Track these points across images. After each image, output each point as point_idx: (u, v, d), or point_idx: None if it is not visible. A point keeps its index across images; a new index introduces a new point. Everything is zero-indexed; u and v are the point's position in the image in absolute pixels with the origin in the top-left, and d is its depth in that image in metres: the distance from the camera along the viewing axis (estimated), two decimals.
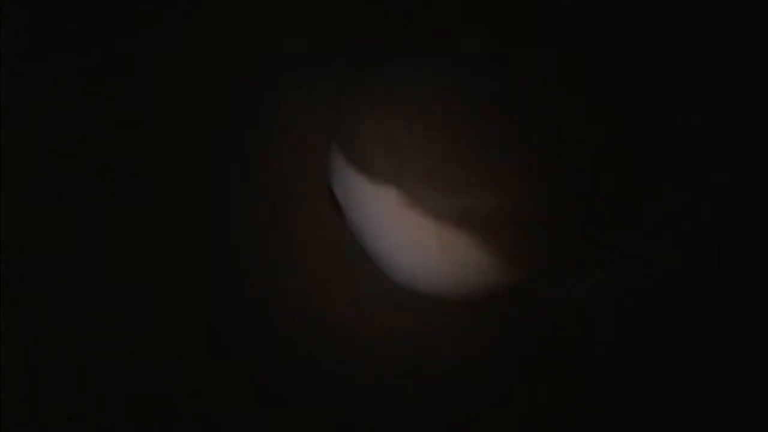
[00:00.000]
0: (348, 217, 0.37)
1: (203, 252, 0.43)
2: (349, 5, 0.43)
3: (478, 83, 0.34)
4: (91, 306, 0.42)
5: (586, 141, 0.34)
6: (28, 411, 0.41)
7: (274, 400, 0.41)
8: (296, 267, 0.43)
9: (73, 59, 0.43)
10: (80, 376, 0.41)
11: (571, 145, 0.34)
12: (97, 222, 0.43)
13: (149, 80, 0.44)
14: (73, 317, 0.42)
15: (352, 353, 0.42)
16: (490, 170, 0.33)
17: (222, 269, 0.43)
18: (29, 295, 0.42)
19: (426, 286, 0.36)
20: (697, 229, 0.38)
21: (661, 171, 0.37)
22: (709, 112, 0.37)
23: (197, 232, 0.43)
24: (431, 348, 0.42)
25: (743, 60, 0.37)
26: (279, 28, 0.44)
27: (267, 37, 0.44)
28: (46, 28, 0.44)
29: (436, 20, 0.36)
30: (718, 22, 0.37)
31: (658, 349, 0.40)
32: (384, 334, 0.42)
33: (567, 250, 0.35)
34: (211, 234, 0.43)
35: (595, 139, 0.34)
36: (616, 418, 0.40)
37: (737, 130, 0.38)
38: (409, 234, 0.35)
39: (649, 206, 0.37)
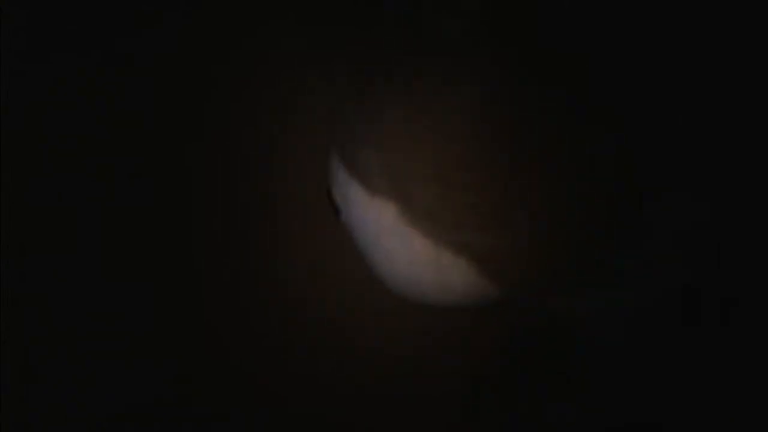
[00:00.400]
0: (346, 220, 0.37)
1: (203, 252, 0.43)
2: (349, 5, 0.42)
3: (478, 83, 0.34)
4: (91, 306, 0.42)
5: (586, 141, 0.34)
6: (28, 411, 0.41)
7: (274, 400, 0.41)
8: (297, 267, 0.43)
9: (73, 59, 0.43)
10: (80, 376, 0.41)
11: (571, 145, 0.34)
12: (97, 222, 0.43)
13: (149, 80, 0.44)
14: (73, 317, 0.42)
15: (352, 353, 0.42)
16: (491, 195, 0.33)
17: (222, 269, 0.43)
18: (29, 295, 0.42)
19: (420, 298, 0.36)
20: (697, 229, 0.38)
21: (661, 171, 0.36)
22: (709, 113, 0.37)
23: (197, 232, 0.43)
24: (431, 348, 0.42)
25: (744, 60, 0.37)
26: (279, 28, 0.44)
27: (267, 37, 0.44)
28: (46, 28, 0.44)
29: (436, 20, 0.36)
30: (718, 22, 0.37)
31: (658, 348, 0.40)
32: (384, 334, 0.42)
33: (567, 251, 0.35)
34: (211, 234, 0.43)
35: (595, 139, 0.34)
36: (616, 418, 0.40)
37: (737, 131, 0.38)
38: (405, 248, 0.34)
39: (649, 206, 0.37)
